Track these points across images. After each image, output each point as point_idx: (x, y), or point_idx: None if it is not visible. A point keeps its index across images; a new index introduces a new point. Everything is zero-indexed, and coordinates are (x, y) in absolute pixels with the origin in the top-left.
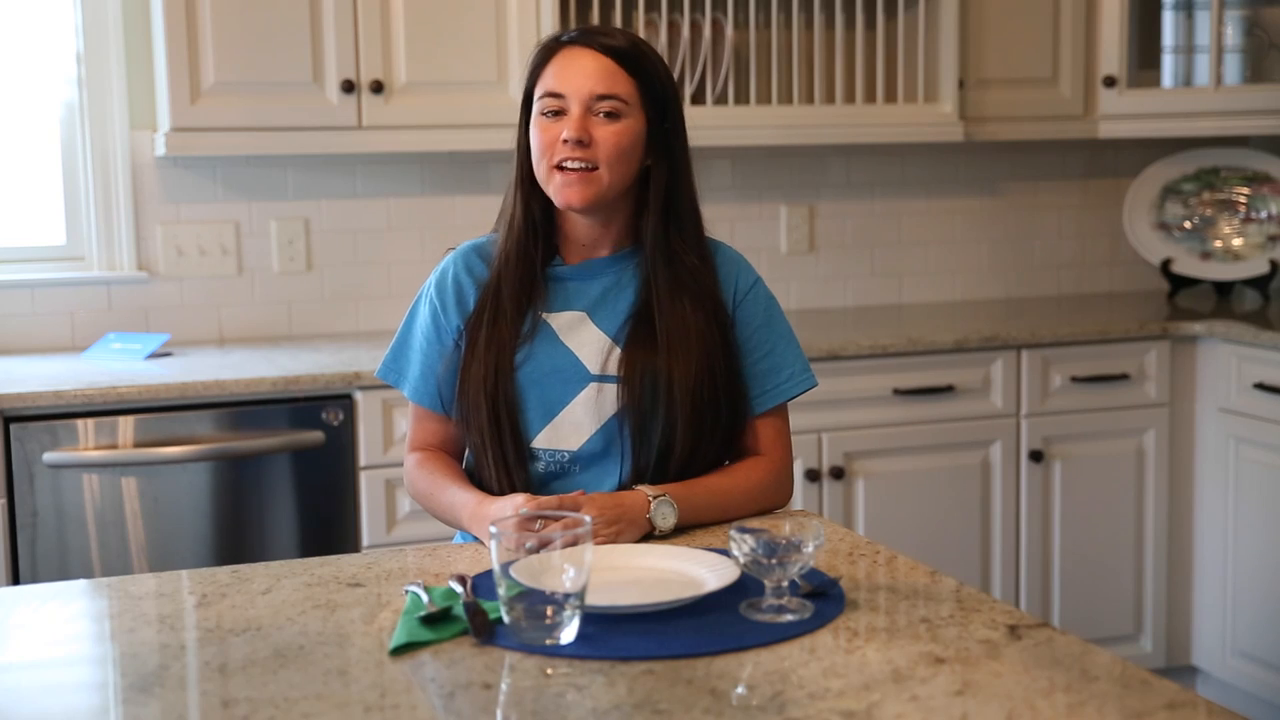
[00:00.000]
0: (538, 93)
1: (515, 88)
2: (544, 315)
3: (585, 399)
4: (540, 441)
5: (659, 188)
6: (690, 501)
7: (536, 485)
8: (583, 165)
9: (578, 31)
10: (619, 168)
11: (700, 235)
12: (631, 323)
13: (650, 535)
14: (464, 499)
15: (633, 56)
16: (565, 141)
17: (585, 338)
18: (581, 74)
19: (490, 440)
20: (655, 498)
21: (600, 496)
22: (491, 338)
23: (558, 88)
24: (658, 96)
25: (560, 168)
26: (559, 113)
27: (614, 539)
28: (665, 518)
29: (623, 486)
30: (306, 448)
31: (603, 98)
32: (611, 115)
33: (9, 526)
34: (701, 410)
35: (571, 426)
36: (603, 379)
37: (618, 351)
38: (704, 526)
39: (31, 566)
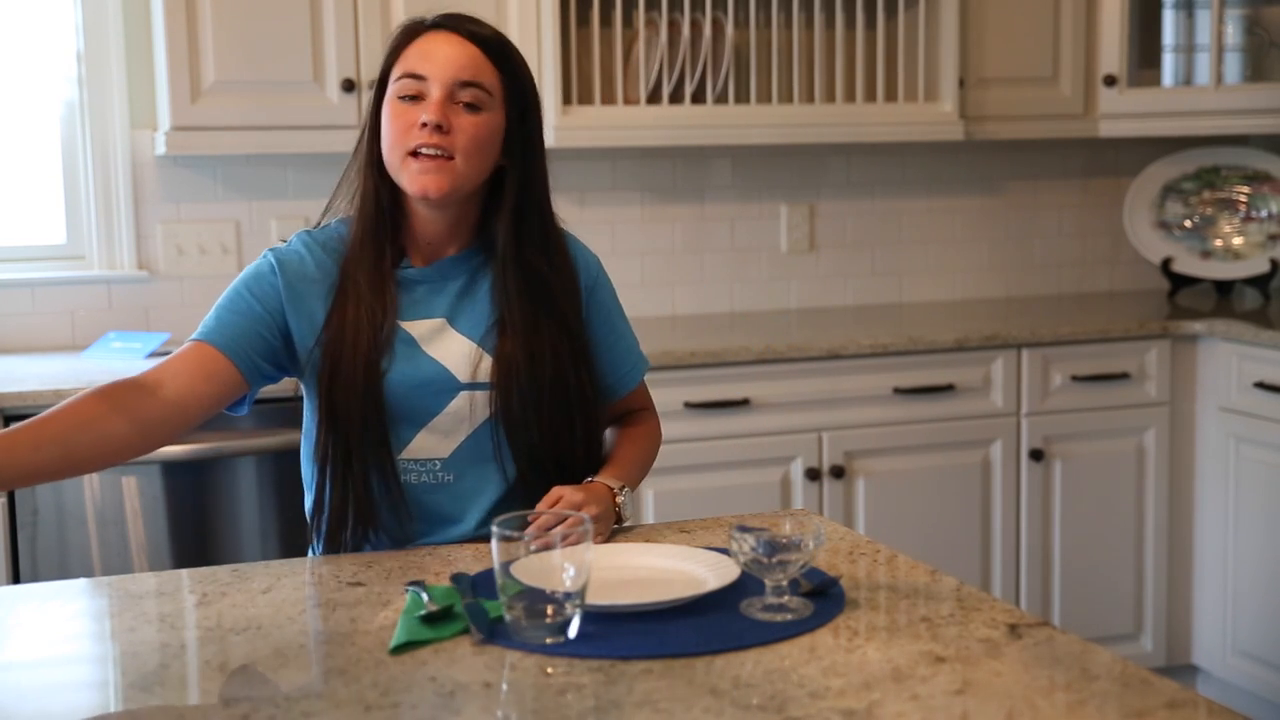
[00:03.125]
0: (395, 74)
1: None
2: (401, 324)
3: (456, 408)
4: (409, 452)
5: (513, 189)
6: (634, 482)
7: (411, 495)
8: (439, 153)
9: (445, 15)
10: (475, 160)
11: (551, 240)
12: (497, 329)
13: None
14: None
15: (501, 49)
16: (424, 126)
17: (450, 347)
18: (447, 58)
19: (356, 452)
20: (619, 490)
21: (571, 488)
22: (357, 344)
23: (419, 69)
24: (520, 96)
25: (415, 154)
26: (417, 97)
27: (605, 534)
28: (628, 508)
29: (508, 489)
30: None
31: (466, 85)
32: (473, 106)
33: (9, 525)
34: (570, 406)
35: (440, 435)
36: (473, 387)
37: (487, 359)
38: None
39: (32, 565)
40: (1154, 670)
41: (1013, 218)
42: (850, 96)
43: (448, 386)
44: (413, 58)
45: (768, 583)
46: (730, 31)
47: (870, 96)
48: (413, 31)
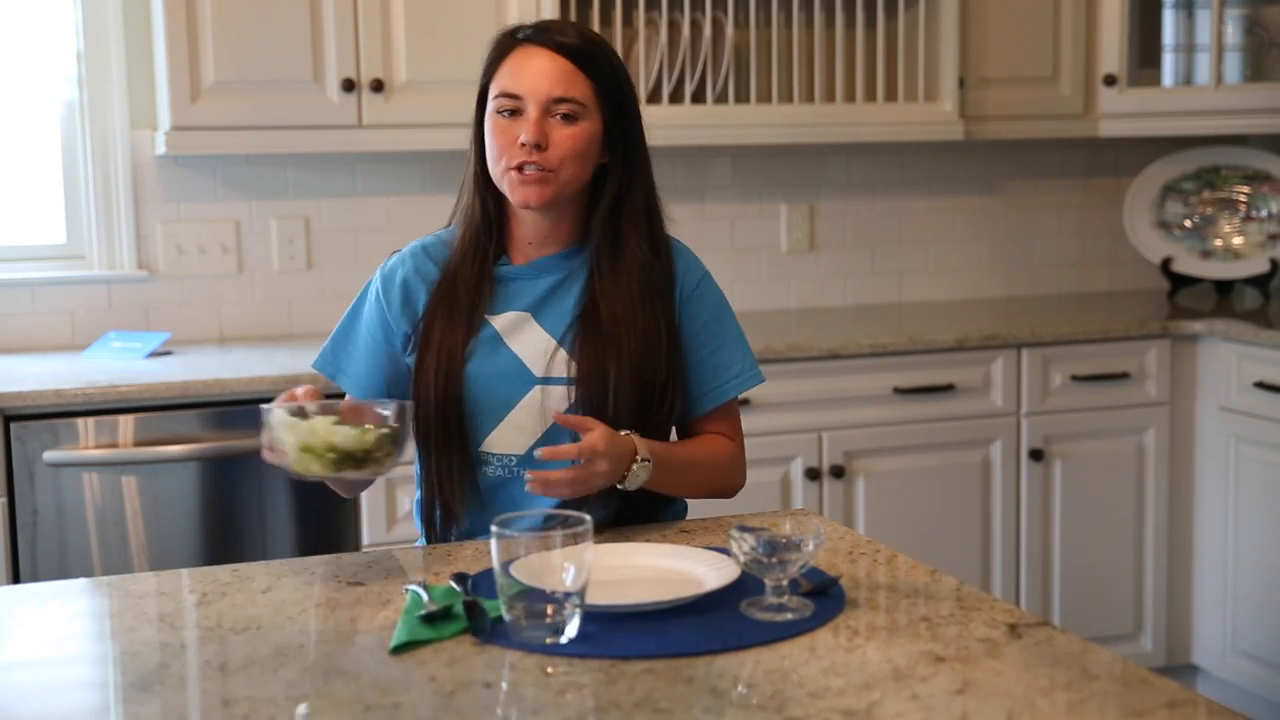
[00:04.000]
0: (493, 91)
1: None
2: (486, 317)
3: (530, 402)
4: (488, 445)
5: (613, 185)
6: (665, 469)
7: (486, 489)
8: (539, 167)
9: (534, 29)
10: (574, 168)
11: (657, 232)
12: (579, 324)
13: (611, 488)
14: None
15: (589, 56)
16: (523, 145)
17: (528, 339)
18: (538, 75)
19: (438, 442)
20: (641, 460)
21: (608, 432)
22: (444, 338)
23: (514, 88)
24: (614, 95)
25: (517, 168)
26: (515, 113)
27: (592, 474)
28: (636, 478)
29: None
30: None
31: (560, 100)
32: (569, 118)
33: (9, 525)
34: (649, 407)
35: (517, 430)
36: (547, 381)
37: (562, 353)
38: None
39: (32, 565)
40: (1154, 670)
41: (1013, 217)
42: (850, 96)
43: (522, 379)
44: (507, 76)
45: (768, 583)
46: (730, 31)
47: (870, 96)
48: (504, 47)
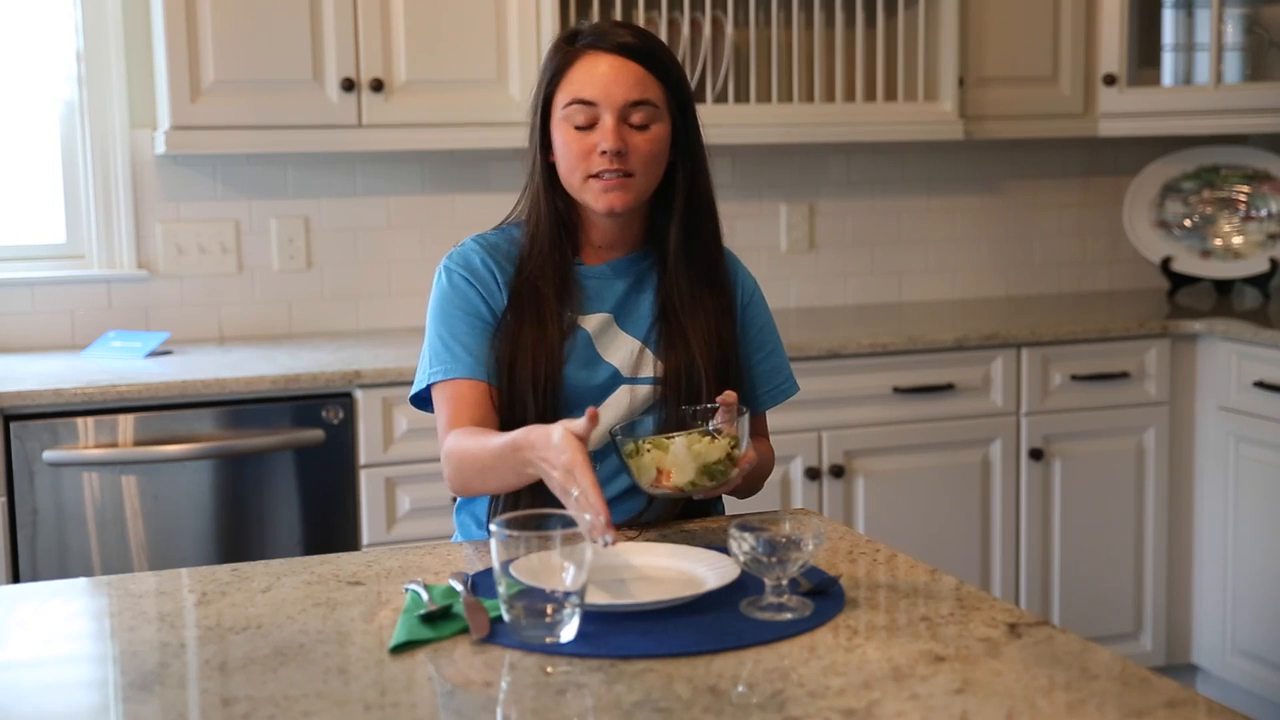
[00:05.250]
0: (562, 99)
1: (516, 86)
2: (578, 319)
3: (616, 401)
4: None
5: (683, 186)
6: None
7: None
8: (621, 174)
9: (593, 34)
10: (652, 171)
11: (719, 231)
12: (660, 325)
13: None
14: (511, 437)
15: (654, 57)
16: (603, 153)
17: (616, 341)
18: (612, 81)
19: None
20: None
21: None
22: (538, 338)
23: (589, 95)
24: (679, 94)
25: (596, 176)
26: (589, 121)
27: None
28: (741, 473)
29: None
30: (306, 446)
31: (636, 105)
32: (643, 123)
33: (9, 525)
34: (730, 384)
35: (601, 428)
36: (635, 381)
37: (648, 354)
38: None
39: (31, 565)
40: (1154, 669)
41: (1013, 217)
42: (850, 96)
43: (612, 380)
44: (577, 83)
45: (768, 582)
46: (730, 31)
47: (870, 96)
48: (568, 55)
